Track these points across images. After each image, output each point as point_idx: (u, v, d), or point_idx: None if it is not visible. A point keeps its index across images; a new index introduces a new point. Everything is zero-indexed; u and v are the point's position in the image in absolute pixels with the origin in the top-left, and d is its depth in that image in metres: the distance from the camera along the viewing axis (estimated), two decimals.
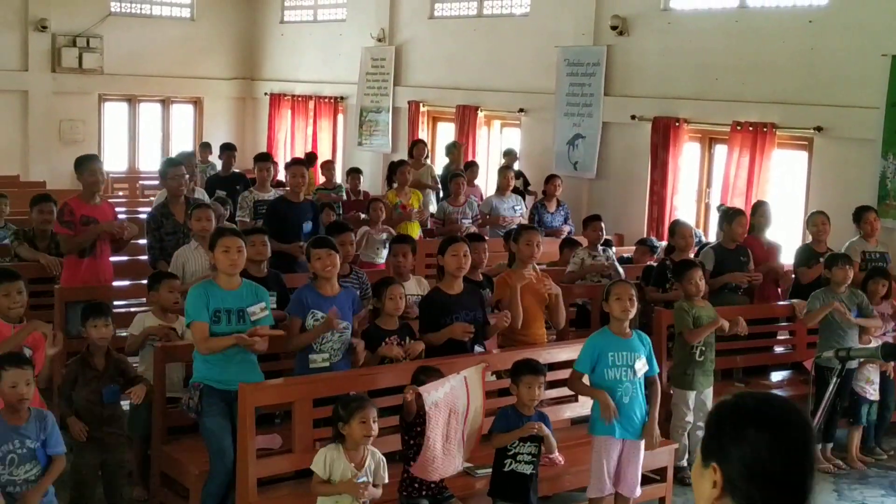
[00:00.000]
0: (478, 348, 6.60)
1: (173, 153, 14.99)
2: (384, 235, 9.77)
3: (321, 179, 13.48)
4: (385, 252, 9.47)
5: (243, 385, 5.57)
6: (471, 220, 11.28)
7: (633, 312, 6.06)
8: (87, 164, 8.16)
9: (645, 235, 11.52)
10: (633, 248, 10.59)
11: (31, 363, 5.14)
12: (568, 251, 9.29)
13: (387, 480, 5.15)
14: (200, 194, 9.97)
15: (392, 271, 7.34)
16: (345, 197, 12.53)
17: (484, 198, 12.71)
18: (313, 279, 6.33)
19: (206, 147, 15.26)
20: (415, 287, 7.43)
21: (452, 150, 13.73)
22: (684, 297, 7.46)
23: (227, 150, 12.40)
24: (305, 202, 9.07)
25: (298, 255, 8.55)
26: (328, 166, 13.00)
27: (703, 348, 7.31)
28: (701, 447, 2.14)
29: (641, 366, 6.07)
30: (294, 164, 9.40)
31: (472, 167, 13.40)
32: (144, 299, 7.89)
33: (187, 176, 8.82)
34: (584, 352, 6.08)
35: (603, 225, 9.58)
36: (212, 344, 5.58)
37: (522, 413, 5.69)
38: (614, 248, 10.01)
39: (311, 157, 14.56)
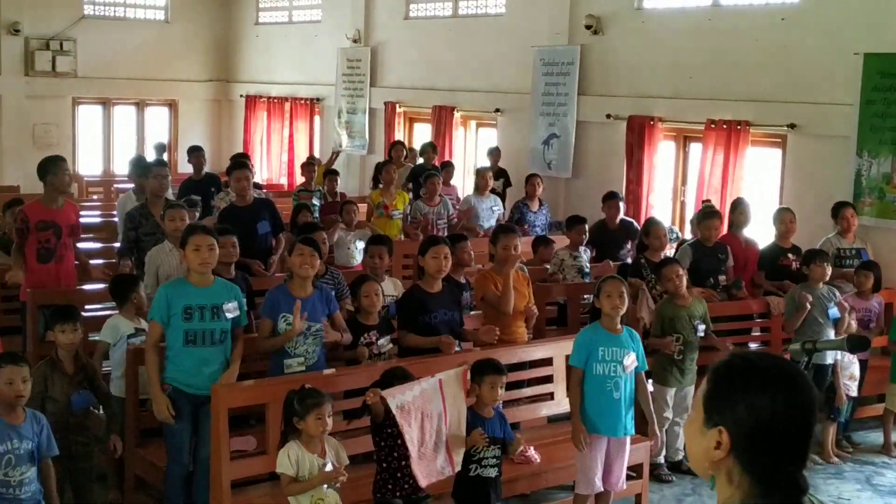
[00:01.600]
0: (455, 348, 6.57)
1: (149, 157, 14.45)
2: (357, 237, 9.72)
3: (301, 179, 13.19)
4: (358, 253, 9.46)
5: (216, 387, 5.57)
6: (445, 221, 11.17)
7: (622, 309, 6.11)
8: (57, 164, 8.03)
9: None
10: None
11: (27, 361, 5.15)
12: (543, 249, 9.31)
13: (347, 461, 5.19)
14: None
15: (367, 272, 7.33)
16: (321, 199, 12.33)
17: (460, 198, 12.59)
18: (288, 278, 6.27)
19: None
20: (390, 288, 7.41)
21: (427, 150, 13.66)
22: (668, 297, 7.51)
23: (195, 152, 12.09)
24: (256, 203, 8.89)
25: (260, 273, 8.55)
26: (308, 168, 12.86)
27: (682, 347, 7.36)
28: (705, 406, 2.14)
29: (631, 362, 6.09)
30: (236, 167, 9.08)
31: (447, 167, 13.28)
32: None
33: (170, 177, 8.81)
34: (576, 347, 6.15)
35: (587, 227, 9.63)
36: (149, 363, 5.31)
37: (482, 414, 5.67)
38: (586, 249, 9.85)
39: (310, 163, 14.00)
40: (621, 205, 10.35)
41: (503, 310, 6.78)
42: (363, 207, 11.36)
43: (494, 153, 13.55)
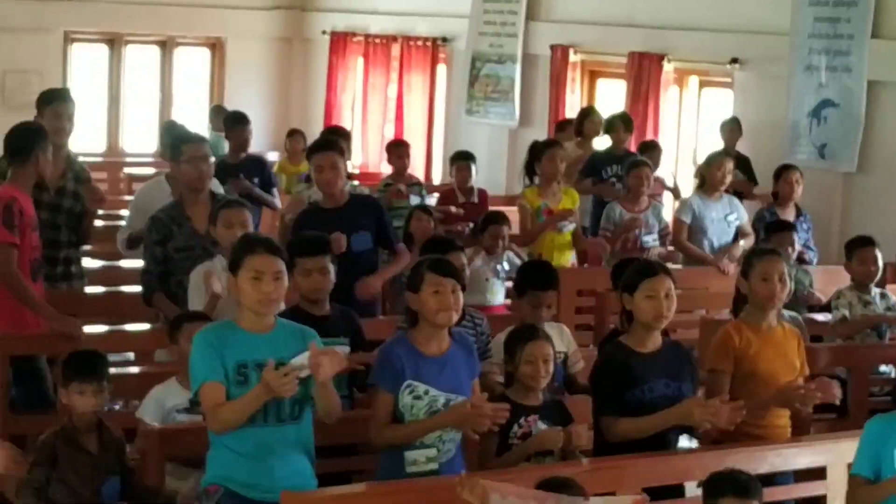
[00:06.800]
0: (687, 442, 5.96)
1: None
2: (501, 263, 8.86)
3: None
4: (500, 286, 8.79)
5: (288, 495, 4.98)
6: (657, 235, 10.02)
7: None
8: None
9: None
10: None
11: None
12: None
13: None
14: (214, 186, 9.08)
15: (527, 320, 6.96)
16: (427, 199, 11.21)
17: (670, 197, 11.95)
18: (411, 326, 5.63)
19: (220, 112, 14.11)
20: (555, 340, 6.53)
21: (616, 124, 11.82)
22: None
23: (238, 124, 10.94)
24: (351, 204, 8.20)
25: (366, 296, 7.67)
26: (399, 151, 11.49)
27: None
28: None
29: None
30: (320, 148, 8.28)
31: (650, 151, 11.65)
32: (131, 354, 7.58)
33: (213, 159, 8.17)
34: (863, 447, 5.48)
35: (879, 254, 8.54)
36: (226, 414, 5.06)
37: None
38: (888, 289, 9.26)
39: (399, 144, 12.87)
40: None
41: (760, 390, 6.13)
42: (512, 215, 10.16)
43: (731, 128, 11.93)
